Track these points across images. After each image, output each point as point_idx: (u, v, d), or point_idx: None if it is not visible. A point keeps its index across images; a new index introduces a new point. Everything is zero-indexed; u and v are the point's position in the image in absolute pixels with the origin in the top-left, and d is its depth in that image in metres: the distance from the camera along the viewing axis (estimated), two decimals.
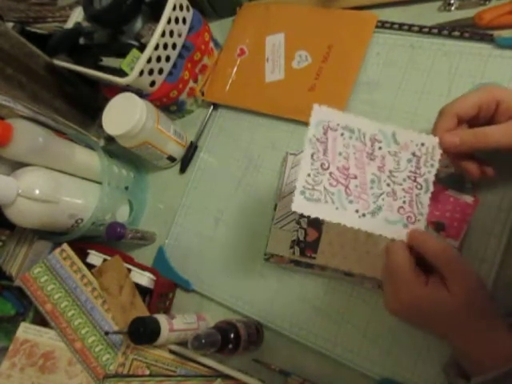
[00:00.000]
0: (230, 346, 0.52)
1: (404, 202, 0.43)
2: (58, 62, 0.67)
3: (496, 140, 0.41)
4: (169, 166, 0.73)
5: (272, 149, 0.65)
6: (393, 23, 0.62)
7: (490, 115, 0.43)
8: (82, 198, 0.62)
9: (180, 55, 0.66)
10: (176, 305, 0.65)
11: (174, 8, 0.61)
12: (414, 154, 0.44)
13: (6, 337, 0.66)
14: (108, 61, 0.66)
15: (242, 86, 0.69)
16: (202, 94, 0.72)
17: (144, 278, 0.62)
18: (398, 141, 0.44)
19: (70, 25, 0.68)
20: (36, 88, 0.68)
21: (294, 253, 0.56)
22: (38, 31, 0.69)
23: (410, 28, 0.60)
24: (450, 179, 0.51)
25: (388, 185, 0.43)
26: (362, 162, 0.43)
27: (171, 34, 0.62)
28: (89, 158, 0.66)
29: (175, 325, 0.54)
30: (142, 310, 0.59)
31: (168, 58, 0.64)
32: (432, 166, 0.44)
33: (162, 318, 0.53)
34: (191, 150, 0.71)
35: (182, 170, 0.72)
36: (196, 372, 0.56)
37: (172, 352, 0.57)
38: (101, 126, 0.62)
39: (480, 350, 0.38)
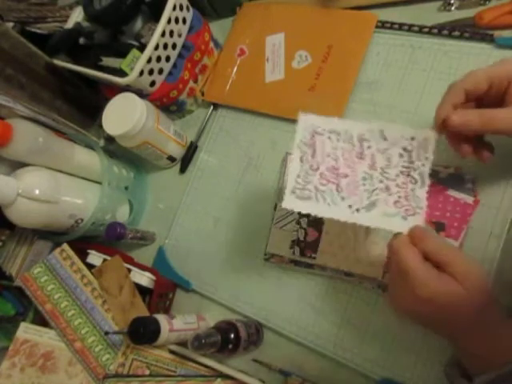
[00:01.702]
0: (230, 346, 0.52)
1: (399, 196, 0.42)
2: (58, 62, 0.67)
3: (503, 125, 0.39)
4: (169, 166, 0.73)
5: (272, 149, 0.65)
6: (393, 23, 0.62)
7: (501, 92, 0.41)
8: (82, 198, 0.62)
9: (180, 55, 0.66)
10: (176, 305, 0.65)
11: (174, 8, 0.61)
12: (405, 149, 0.43)
13: (6, 337, 0.66)
14: (108, 61, 0.66)
15: (242, 86, 0.69)
16: (202, 94, 0.72)
17: (144, 278, 0.62)
18: (387, 137, 0.43)
19: (70, 25, 0.68)
20: (36, 88, 0.68)
21: (293, 253, 0.56)
22: (37, 31, 0.69)
23: (409, 28, 0.60)
24: (450, 179, 0.51)
25: (381, 181, 0.43)
26: (352, 162, 0.43)
27: (171, 34, 0.62)
28: (89, 158, 0.66)
29: (175, 325, 0.54)
30: (142, 310, 0.59)
31: (168, 58, 0.64)
32: (426, 158, 0.43)
33: (161, 318, 0.53)
34: (191, 150, 0.71)
35: (182, 170, 0.72)
36: (196, 372, 0.56)
37: (172, 352, 0.57)
38: (101, 126, 0.62)
39: (485, 349, 0.38)
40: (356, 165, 0.43)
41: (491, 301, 0.39)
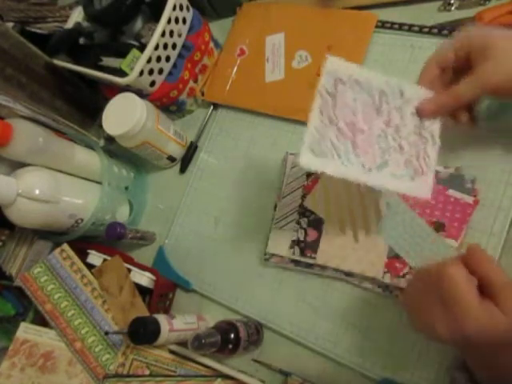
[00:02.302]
0: (230, 346, 0.52)
1: (411, 155, 0.43)
2: (58, 62, 0.67)
3: (467, 96, 0.42)
4: (169, 166, 0.73)
5: (272, 149, 0.65)
6: (393, 23, 0.62)
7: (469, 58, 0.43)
8: (82, 198, 0.62)
9: (180, 55, 0.66)
10: (176, 305, 0.65)
11: (174, 8, 0.61)
12: (416, 109, 0.44)
13: (6, 337, 0.66)
14: (108, 61, 0.66)
15: (242, 86, 0.69)
16: (202, 94, 0.72)
17: (144, 278, 0.62)
18: (404, 94, 0.44)
19: (70, 25, 0.68)
20: (36, 88, 0.68)
21: (293, 253, 0.56)
22: (37, 31, 0.69)
23: (410, 28, 0.60)
24: (450, 179, 0.51)
25: (394, 139, 0.43)
26: (369, 117, 0.43)
27: (171, 34, 0.62)
28: (89, 158, 0.66)
29: (175, 325, 0.54)
30: (142, 310, 0.59)
31: (168, 58, 0.64)
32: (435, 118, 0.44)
33: (162, 318, 0.53)
34: (191, 149, 0.71)
35: (182, 170, 0.72)
36: (196, 372, 0.56)
37: (172, 352, 0.57)
38: (101, 126, 0.62)
39: (507, 366, 0.36)
40: (373, 120, 0.43)
41: None
